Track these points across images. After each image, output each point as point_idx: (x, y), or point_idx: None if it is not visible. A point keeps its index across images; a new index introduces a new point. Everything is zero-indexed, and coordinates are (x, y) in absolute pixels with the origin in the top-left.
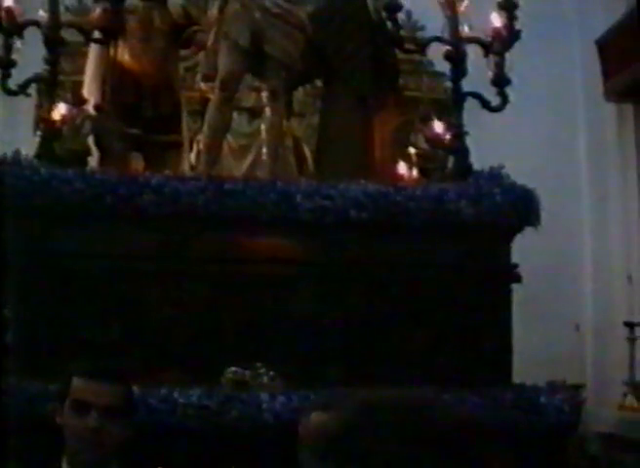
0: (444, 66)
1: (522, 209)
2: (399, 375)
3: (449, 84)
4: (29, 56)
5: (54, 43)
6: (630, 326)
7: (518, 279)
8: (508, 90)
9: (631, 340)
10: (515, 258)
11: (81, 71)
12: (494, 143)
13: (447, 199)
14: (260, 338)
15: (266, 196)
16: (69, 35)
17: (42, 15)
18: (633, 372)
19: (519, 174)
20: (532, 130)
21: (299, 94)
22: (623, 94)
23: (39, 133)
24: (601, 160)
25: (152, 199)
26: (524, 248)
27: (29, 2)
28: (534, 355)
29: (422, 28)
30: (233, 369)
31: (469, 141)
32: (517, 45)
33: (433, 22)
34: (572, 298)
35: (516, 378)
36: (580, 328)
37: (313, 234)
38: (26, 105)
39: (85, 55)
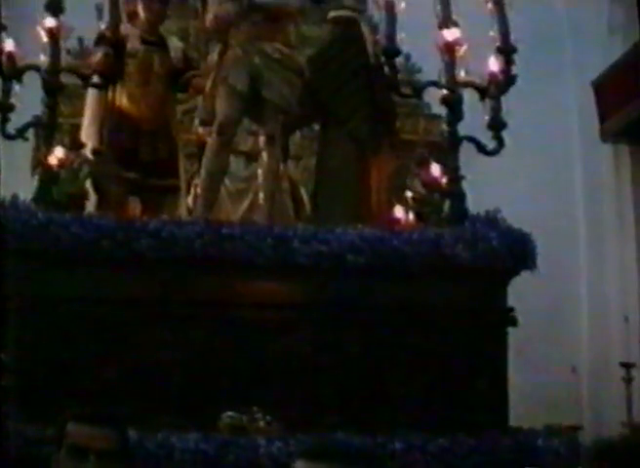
0: (440, 109)
1: (518, 253)
2: (396, 419)
3: (445, 126)
4: (27, 98)
5: (53, 88)
6: (627, 367)
7: (514, 322)
8: (504, 132)
9: (628, 381)
10: (511, 301)
11: (79, 114)
12: (490, 186)
13: (443, 243)
14: (257, 383)
15: (264, 241)
16: (68, 77)
17: (42, 59)
18: (630, 413)
19: (515, 216)
20: (528, 172)
21: (295, 136)
22: (619, 134)
23: (37, 176)
24: (597, 201)
25: (149, 243)
26: (520, 290)
27: (30, 45)
28: (531, 397)
29: (420, 70)
30: (230, 413)
31: (465, 185)
32: (513, 86)
33: (431, 64)
34: (568, 340)
35: (513, 421)
36: (576, 369)
37: (310, 278)
38: (24, 147)
39: (83, 97)
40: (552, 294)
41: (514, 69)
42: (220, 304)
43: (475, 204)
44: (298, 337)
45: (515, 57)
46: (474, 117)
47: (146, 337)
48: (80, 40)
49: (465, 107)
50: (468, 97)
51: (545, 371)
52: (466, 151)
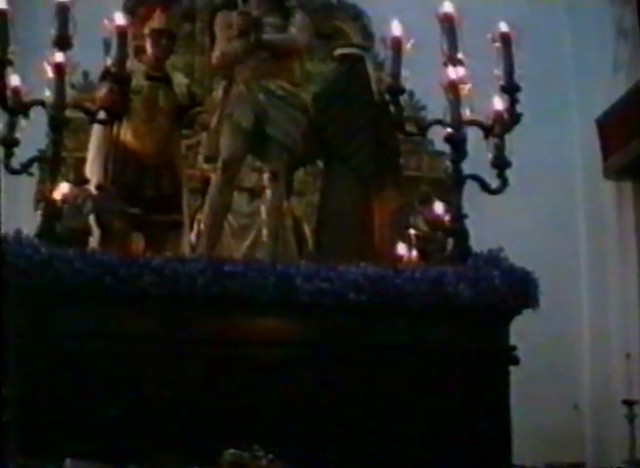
0: (444, 146)
1: (520, 291)
2: (398, 458)
3: (449, 163)
4: (31, 131)
5: (58, 124)
6: (629, 404)
7: (516, 361)
8: (508, 170)
9: (630, 419)
10: (513, 338)
11: (83, 148)
12: (493, 224)
13: (446, 282)
14: (259, 420)
15: (266, 278)
16: (72, 111)
17: (47, 94)
18: (633, 451)
19: (518, 253)
20: (531, 209)
21: (299, 173)
22: (622, 171)
23: (40, 210)
24: (600, 239)
25: (152, 280)
26: (522, 327)
27: (35, 79)
28: (533, 435)
29: (424, 108)
30: (232, 451)
31: (468, 222)
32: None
33: (435, 101)
34: (570, 378)
35: (515, 459)
36: (578, 407)
37: (312, 316)
38: (27, 180)
39: (87, 131)
40: (554, 331)
41: (518, 107)
42: (222, 341)
43: (478, 241)
44: (299, 375)
45: (519, 94)
46: (478, 155)
47: (148, 374)
48: (85, 74)
49: (469, 145)
50: (472, 134)
51: (547, 409)
52: (470, 188)
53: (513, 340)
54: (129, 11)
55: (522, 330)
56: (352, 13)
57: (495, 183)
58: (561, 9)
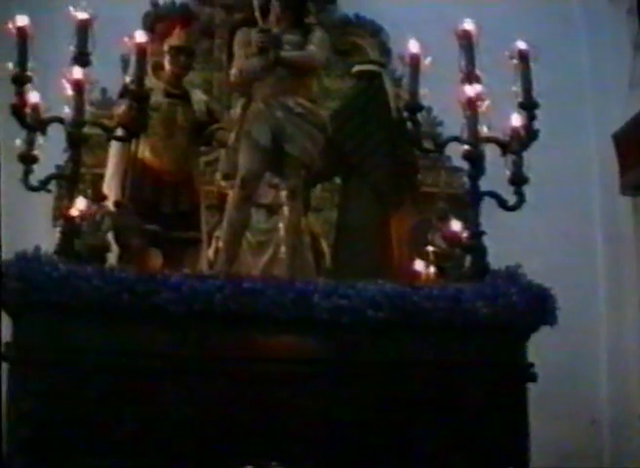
0: (462, 162)
1: (538, 308)
2: None
3: (466, 179)
4: (48, 148)
5: (77, 141)
6: None
7: (534, 378)
8: (525, 186)
9: None
10: (531, 354)
11: (101, 164)
12: (510, 241)
13: (464, 299)
14: (276, 437)
15: (284, 295)
16: (90, 128)
17: (66, 111)
18: None
19: (535, 270)
20: (548, 226)
21: (316, 189)
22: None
23: (58, 227)
24: (617, 255)
25: (170, 297)
26: (539, 343)
27: (54, 97)
28: (550, 450)
29: (441, 124)
30: (249, 467)
31: (486, 239)
32: None
33: (452, 117)
34: (588, 393)
35: None
36: (596, 421)
37: (330, 333)
38: (45, 196)
39: (105, 147)
40: (571, 348)
41: (535, 124)
42: (239, 358)
43: (495, 257)
44: (317, 392)
45: (536, 110)
46: (495, 171)
47: (166, 391)
48: (103, 91)
49: (487, 162)
50: (490, 150)
51: (565, 424)
52: (487, 205)
53: (530, 355)
54: (148, 28)
55: (539, 345)
56: (370, 29)
57: (512, 200)
58: (578, 25)
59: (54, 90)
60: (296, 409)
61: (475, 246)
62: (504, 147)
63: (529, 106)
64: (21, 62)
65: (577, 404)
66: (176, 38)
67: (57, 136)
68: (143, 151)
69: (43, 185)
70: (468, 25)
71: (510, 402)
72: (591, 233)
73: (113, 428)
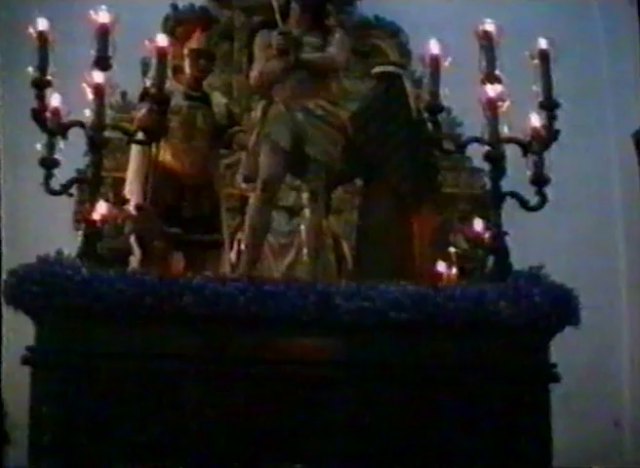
0: (482, 162)
1: (561, 309)
2: None
3: (487, 180)
4: (69, 151)
5: (98, 145)
6: None
7: (557, 379)
8: (546, 186)
9: None
10: (553, 354)
11: (122, 168)
12: (532, 242)
13: (486, 300)
14: (301, 440)
15: (307, 297)
16: (111, 131)
17: (87, 115)
18: None
19: (557, 270)
20: (570, 226)
21: (337, 191)
22: None
23: (80, 231)
24: (638, 254)
25: (193, 300)
26: (561, 344)
27: (75, 101)
28: (573, 452)
29: (461, 124)
30: None
31: (508, 240)
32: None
33: (472, 117)
34: (610, 394)
35: None
36: (619, 423)
37: (353, 335)
38: (65, 200)
39: (126, 151)
40: (594, 348)
41: (555, 124)
42: (262, 361)
43: (517, 258)
44: (341, 394)
45: (557, 110)
46: (517, 172)
47: (189, 394)
48: (123, 94)
49: (508, 162)
50: (511, 150)
51: (588, 425)
52: (509, 205)
53: (552, 357)
54: (168, 31)
55: (562, 346)
56: (390, 30)
57: (533, 200)
58: (597, 25)
59: (74, 94)
60: (319, 411)
61: (497, 246)
62: (525, 148)
63: (549, 106)
64: (42, 67)
65: (599, 404)
66: (195, 41)
67: (77, 139)
68: (164, 154)
69: (65, 189)
70: (489, 26)
71: (533, 402)
72: (613, 232)
73: (137, 432)
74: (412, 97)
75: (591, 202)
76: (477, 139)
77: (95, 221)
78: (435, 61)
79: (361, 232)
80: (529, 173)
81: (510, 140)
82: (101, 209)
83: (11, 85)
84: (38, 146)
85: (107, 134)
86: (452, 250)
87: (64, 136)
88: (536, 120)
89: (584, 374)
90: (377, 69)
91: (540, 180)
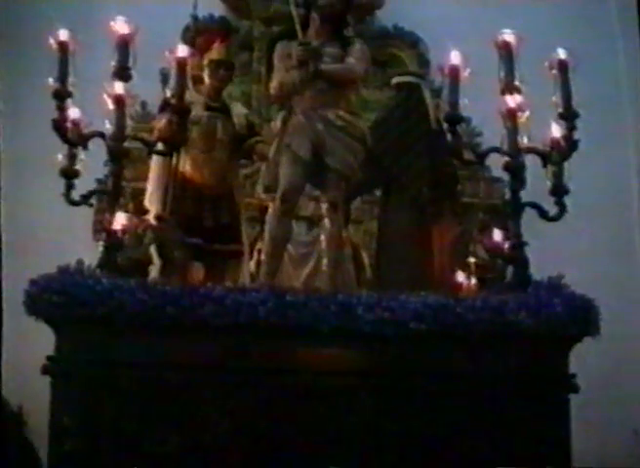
0: (501, 172)
1: (581, 319)
2: None
3: (506, 189)
4: (89, 160)
5: (118, 156)
6: None
7: (576, 389)
8: (566, 196)
9: None
10: (572, 364)
11: (141, 178)
12: (552, 251)
13: (507, 310)
14: (320, 449)
15: (327, 308)
16: (131, 141)
17: (107, 126)
18: None
19: (577, 280)
20: (589, 236)
21: (356, 201)
22: None
23: (100, 241)
24: None
25: (214, 310)
26: (581, 352)
27: (95, 111)
28: (593, 461)
29: (480, 134)
30: None
31: (528, 250)
32: None
33: (491, 127)
34: (630, 403)
35: None
36: (638, 432)
37: (373, 345)
38: (85, 210)
39: (145, 161)
40: (613, 357)
41: (575, 133)
42: (283, 371)
43: (537, 268)
44: (361, 404)
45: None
46: (536, 181)
47: (209, 403)
48: (143, 104)
49: (527, 172)
50: (530, 160)
51: (607, 434)
52: (528, 215)
53: (572, 366)
54: (188, 41)
55: (582, 355)
56: (409, 40)
57: (553, 210)
58: (616, 34)
59: (94, 104)
60: (339, 421)
61: (517, 257)
62: (545, 158)
63: (569, 117)
64: (62, 77)
65: (619, 414)
66: (215, 52)
67: (96, 149)
68: (184, 165)
69: (85, 200)
70: (508, 36)
71: (552, 412)
72: (632, 242)
73: (157, 442)
74: (431, 107)
75: (611, 211)
76: (497, 150)
77: (115, 231)
78: (455, 72)
79: (380, 242)
80: (548, 183)
81: (530, 151)
82: (121, 219)
83: (29, 95)
84: (59, 157)
85: (127, 144)
86: (471, 260)
87: (85, 147)
88: (556, 130)
89: (604, 384)
90: (396, 79)
91: (559, 191)
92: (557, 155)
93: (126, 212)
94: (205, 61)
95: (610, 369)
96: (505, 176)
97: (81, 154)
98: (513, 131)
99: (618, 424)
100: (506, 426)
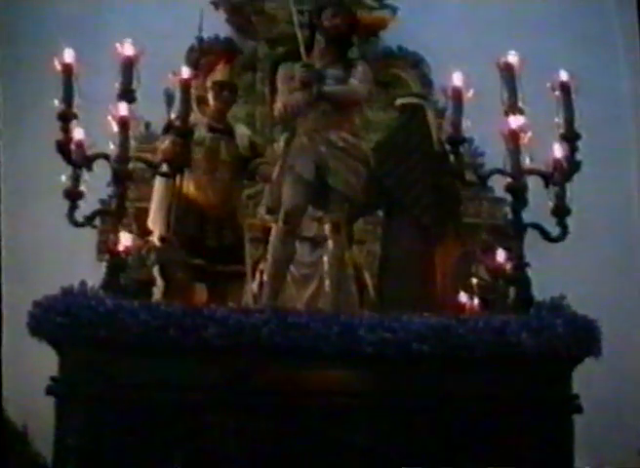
0: (504, 192)
1: (584, 340)
2: None
3: (508, 210)
4: (92, 181)
5: (122, 177)
6: None
7: (579, 410)
8: (568, 217)
9: None
10: (575, 384)
11: (145, 198)
12: (554, 272)
13: (509, 331)
14: None
15: (330, 329)
16: (134, 162)
17: (111, 148)
18: None
19: (580, 301)
20: (592, 256)
21: (359, 222)
22: None
23: (103, 262)
24: None
25: (217, 331)
26: (584, 373)
27: (99, 132)
28: None
29: (482, 154)
30: None
31: (530, 270)
32: None
33: (494, 147)
34: (634, 424)
35: None
36: None
37: (375, 367)
38: (88, 231)
39: (149, 182)
40: (617, 378)
41: (577, 153)
42: (285, 392)
43: (539, 288)
44: (362, 425)
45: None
46: (538, 202)
47: (212, 425)
48: (147, 124)
49: (529, 193)
50: (532, 182)
51: (611, 456)
52: (530, 236)
53: (575, 386)
54: (192, 62)
55: (585, 376)
56: (412, 60)
57: (555, 231)
58: (619, 54)
59: (98, 125)
60: (341, 442)
61: (519, 277)
62: (547, 179)
63: (571, 138)
64: (67, 99)
65: (623, 435)
66: (219, 73)
67: (99, 169)
68: (187, 186)
69: (89, 221)
70: (511, 57)
71: (556, 434)
72: (635, 263)
73: (160, 463)
74: (434, 127)
75: (613, 232)
76: (499, 171)
77: (119, 252)
78: (458, 93)
79: (383, 263)
80: (550, 203)
81: (532, 172)
82: (124, 239)
83: (33, 116)
84: (63, 178)
85: (131, 165)
86: (474, 280)
87: (89, 169)
88: (558, 151)
89: (608, 404)
90: (399, 101)
91: (561, 212)
92: (559, 176)
93: (129, 232)
94: (209, 83)
95: (614, 389)
96: (508, 197)
97: (85, 175)
98: (515, 152)
99: (622, 445)
100: (509, 447)
